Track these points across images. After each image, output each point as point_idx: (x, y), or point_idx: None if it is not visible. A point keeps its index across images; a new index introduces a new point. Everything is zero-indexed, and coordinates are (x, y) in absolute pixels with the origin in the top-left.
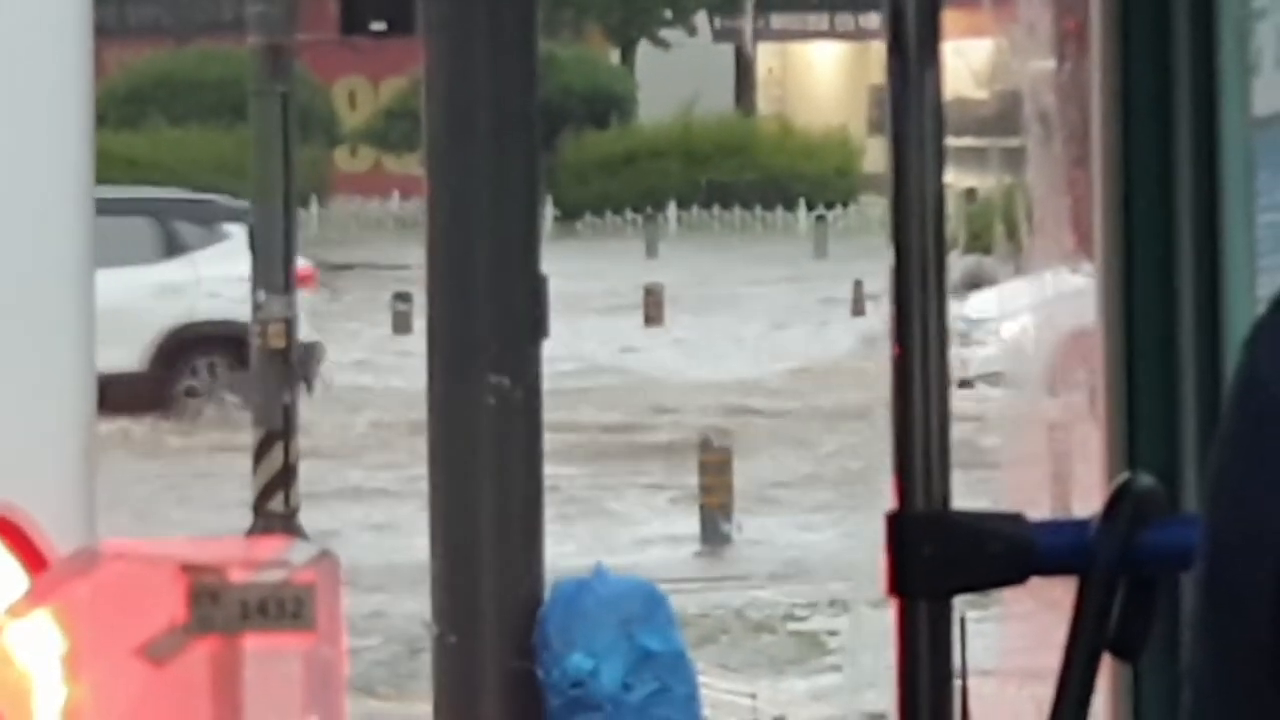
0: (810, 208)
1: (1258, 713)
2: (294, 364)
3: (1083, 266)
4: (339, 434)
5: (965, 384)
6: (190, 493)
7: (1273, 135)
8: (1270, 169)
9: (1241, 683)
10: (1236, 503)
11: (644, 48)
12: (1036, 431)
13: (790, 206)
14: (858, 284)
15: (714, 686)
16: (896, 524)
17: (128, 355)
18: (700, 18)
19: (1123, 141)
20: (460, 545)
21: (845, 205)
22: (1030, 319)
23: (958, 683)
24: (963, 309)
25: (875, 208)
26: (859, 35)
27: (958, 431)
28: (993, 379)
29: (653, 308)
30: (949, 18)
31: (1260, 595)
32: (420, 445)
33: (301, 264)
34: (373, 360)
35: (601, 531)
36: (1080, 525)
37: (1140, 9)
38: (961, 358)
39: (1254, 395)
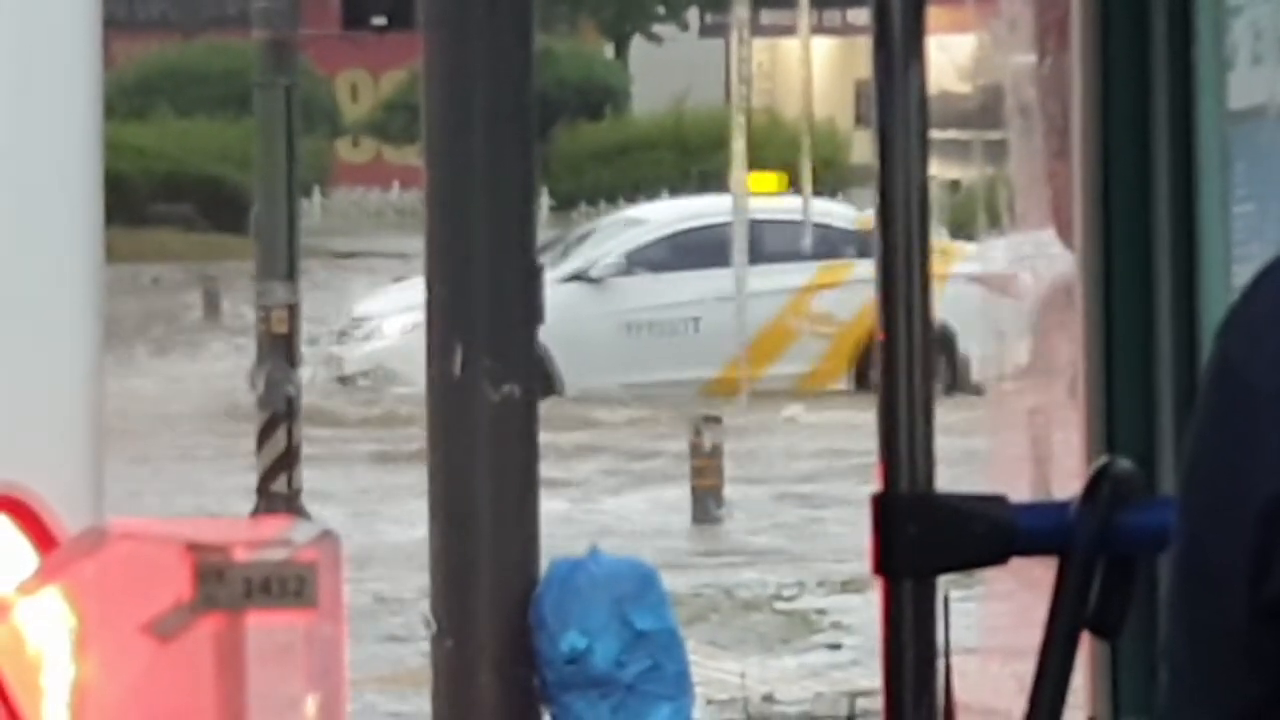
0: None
1: (1232, 692)
2: (297, 348)
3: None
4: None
5: (345, 380)
6: None
7: (1248, 128)
8: (1246, 161)
9: (1216, 662)
10: (1210, 487)
11: (637, 42)
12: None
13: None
14: None
15: (704, 664)
16: (882, 505)
17: None
18: (692, 13)
19: (1102, 134)
20: (458, 528)
21: (833, 196)
22: (418, 317)
23: (941, 660)
24: (352, 308)
25: (862, 198)
26: (846, 31)
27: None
28: (372, 375)
29: None
30: (933, 14)
31: (1234, 577)
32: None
33: None
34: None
35: (595, 511)
36: (1060, 507)
37: (1119, 5)
38: (339, 355)
39: (1226, 382)
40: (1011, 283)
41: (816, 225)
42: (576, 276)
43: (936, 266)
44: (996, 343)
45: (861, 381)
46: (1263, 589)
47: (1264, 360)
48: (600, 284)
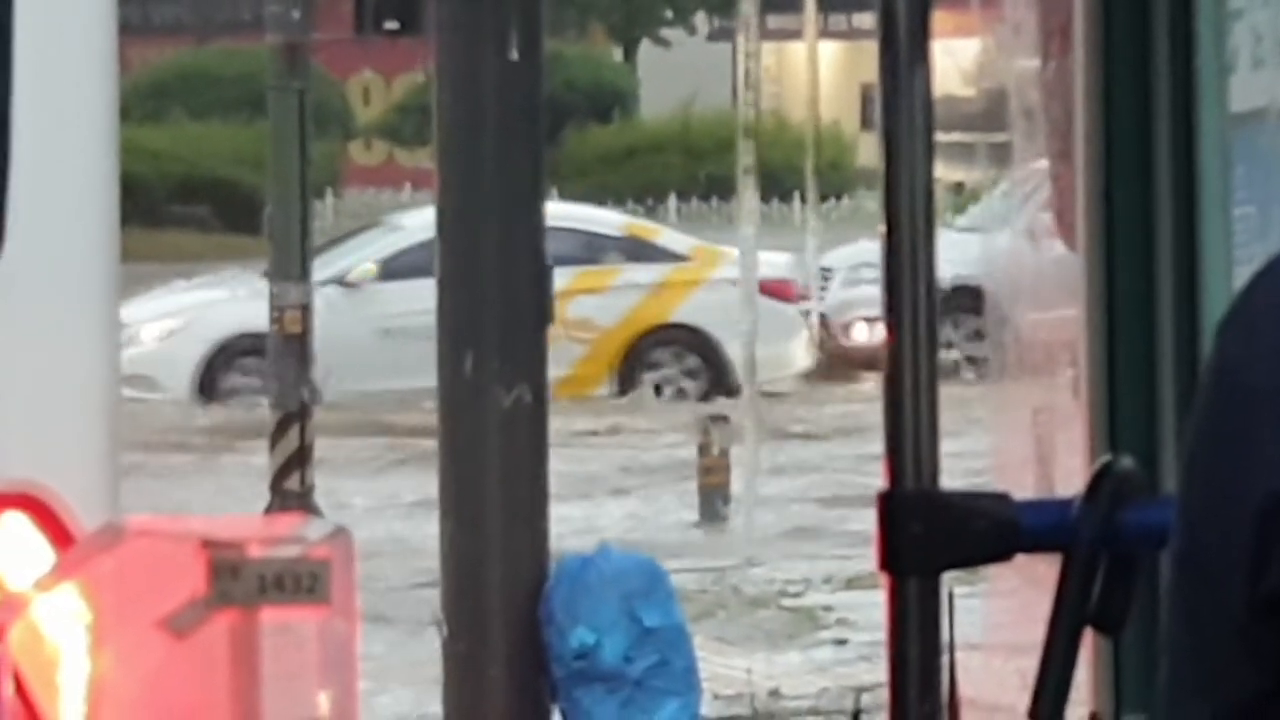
0: (804, 200)
1: (1231, 685)
2: (310, 348)
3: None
4: None
5: None
6: None
7: (1249, 131)
8: (1246, 164)
9: (1215, 657)
10: (1209, 483)
11: (645, 46)
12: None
13: (785, 199)
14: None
15: (711, 660)
16: (887, 502)
17: None
18: (700, 18)
19: (1104, 137)
20: (468, 527)
21: (838, 198)
22: (174, 323)
23: (946, 656)
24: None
25: (868, 200)
26: (852, 35)
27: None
28: (135, 381)
29: None
30: (938, 18)
31: (1232, 573)
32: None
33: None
34: None
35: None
36: (1063, 505)
37: (1121, 10)
38: None
39: (1224, 379)
40: (786, 288)
41: (578, 231)
42: (334, 281)
43: (699, 271)
44: (766, 346)
45: (624, 387)
46: (1260, 585)
47: (1261, 357)
48: (357, 289)
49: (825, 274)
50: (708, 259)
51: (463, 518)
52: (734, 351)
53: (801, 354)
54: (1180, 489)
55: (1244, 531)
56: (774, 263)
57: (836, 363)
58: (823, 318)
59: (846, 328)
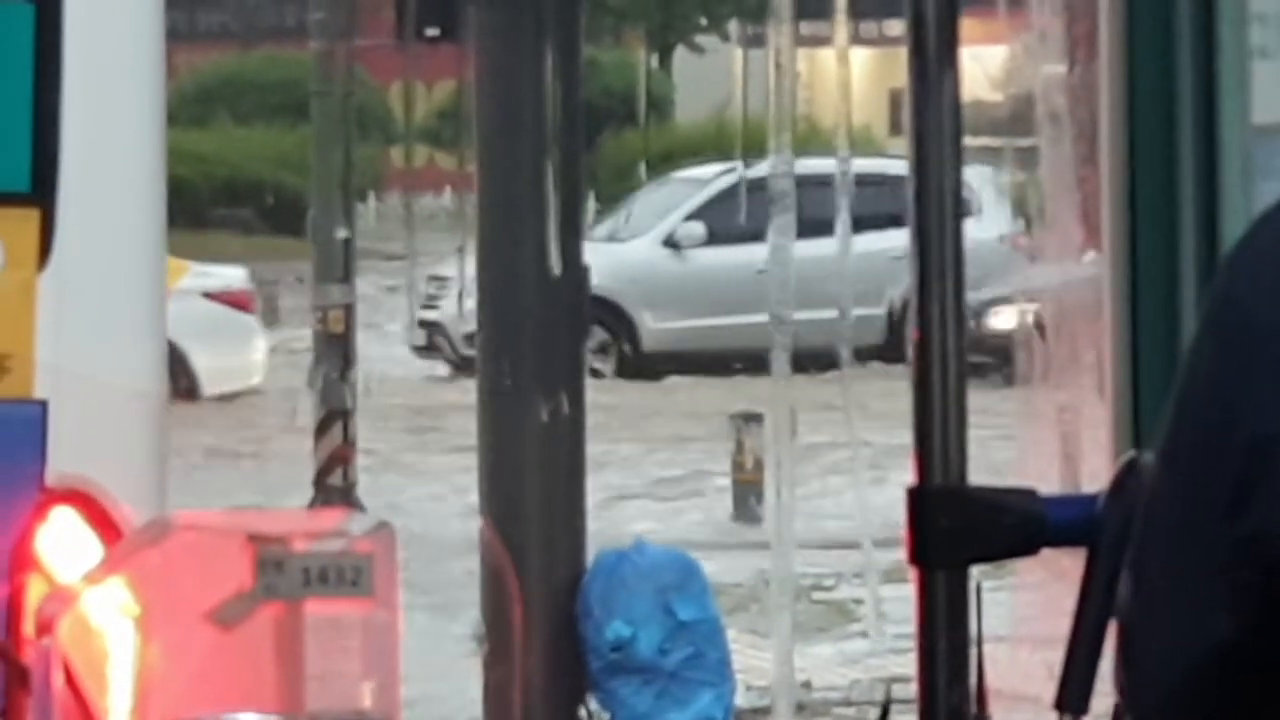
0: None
1: (1206, 630)
2: (353, 347)
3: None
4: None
5: None
6: None
7: (1270, 137)
8: (1266, 166)
9: (1193, 599)
10: (1201, 419)
11: (681, 53)
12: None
13: None
14: None
15: (744, 652)
16: (917, 497)
17: None
18: (733, 25)
19: (1129, 141)
20: (507, 522)
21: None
22: None
23: (974, 648)
24: None
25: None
26: (882, 42)
27: None
28: None
29: None
30: (966, 25)
31: (1215, 511)
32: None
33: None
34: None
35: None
36: (1089, 500)
37: (1145, 17)
38: None
39: (1227, 317)
40: (243, 299)
41: None
42: None
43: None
44: (224, 357)
45: None
46: (1242, 521)
47: (1265, 297)
48: None
49: (440, 283)
50: (172, 271)
51: (501, 513)
52: (197, 360)
53: (259, 364)
54: (1171, 422)
55: (1230, 471)
56: (228, 275)
57: (461, 372)
58: (438, 326)
59: (472, 338)
